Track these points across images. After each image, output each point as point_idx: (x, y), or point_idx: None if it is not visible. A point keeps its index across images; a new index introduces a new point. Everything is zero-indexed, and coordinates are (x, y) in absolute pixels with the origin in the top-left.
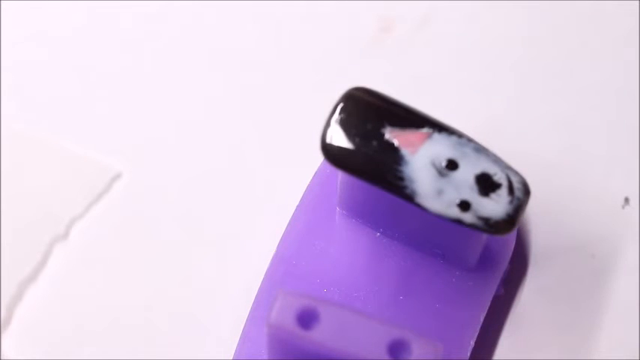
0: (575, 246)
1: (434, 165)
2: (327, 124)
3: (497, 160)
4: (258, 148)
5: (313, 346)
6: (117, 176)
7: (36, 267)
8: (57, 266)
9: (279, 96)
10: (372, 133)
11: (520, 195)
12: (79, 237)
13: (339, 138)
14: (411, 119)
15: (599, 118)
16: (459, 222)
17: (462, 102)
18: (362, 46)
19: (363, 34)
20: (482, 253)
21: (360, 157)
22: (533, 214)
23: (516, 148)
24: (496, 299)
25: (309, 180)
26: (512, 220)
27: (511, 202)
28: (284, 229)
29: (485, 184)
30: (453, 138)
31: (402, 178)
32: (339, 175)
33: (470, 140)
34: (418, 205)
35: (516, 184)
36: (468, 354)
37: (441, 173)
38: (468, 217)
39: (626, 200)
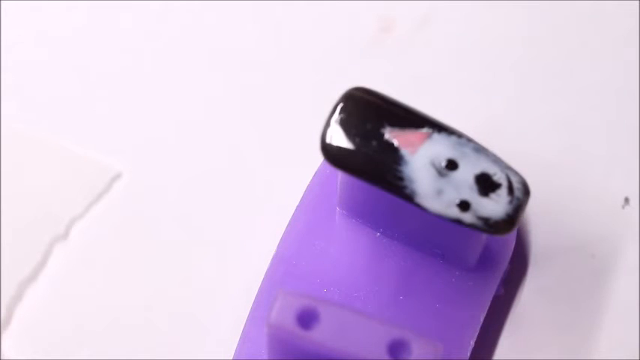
0: (575, 246)
1: (433, 165)
2: (327, 124)
3: (496, 160)
4: (258, 148)
5: (313, 346)
6: (117, 176)
7: (36, 267)
8: (57, 266)
9: (279, 96)
10: (371, 133)
11: (520, 195)
12: (79, 237)
13: (338, 138)
14: (411, 119)
15: (599, 118)
16: (458, 222)
17: (461, 102)
18: (362, 46)
19: (363, 34)
20: (482, 253)
21: (359, 157)
22: (533, 214)
23: (516, 148)
24: (496, 299)
25: (309, 180)
26: (512, 220)
27: (511, 202)
28: (284, 229)
29: (485, 184)
30: (453, 138)
31: (401, 178)
32: (339, 175)
33: (469, 140)
34: (418, 205)
35: (516, 184)
36: (468, 354)
37: (440, 173)
38: (467, 217)
39: (626, 200)
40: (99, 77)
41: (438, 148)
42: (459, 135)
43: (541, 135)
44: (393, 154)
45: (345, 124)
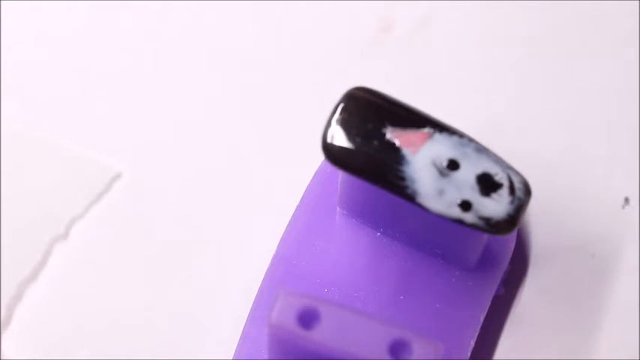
0: (575, 246)
1: (435, 165)
2: (328, 124)
3: (498, 160)
4: (258, 148)
5: (314, 346)
6: (117, 176)
7: (36, 267)
8: (57, 266)
9: (279, 96)
10: (373, 132)
11: (521, 195)
12: (79, 237)
13: (340, 138)
14: (412, 119)
15: (599, 118)
16: (460, 222)
17: (462, 102)
18: (362, 46)
19: (363, 34)
20: (483, 253)
21: (361, 157)
22: (534, 214)
23: (516, 148)
24: (496, 299)
25: (309, 180)
26: (513, 220)
27: (512, 202)
28: (284, 229)
29: (487, 184)
30: (454, 138)
31: (403, 178)
32: (340, 175)
33: (471, 140)
34: (419, 205)
35: (517, 184)
36: (468, 354)
37: (442, 173)
38: (469, 217)
39: (626, 200)
40: (99, 77)
41: (439, 148)
42: (460, 135)
43: (541, 135)
44: (394, 154)
45: (346, 124)
